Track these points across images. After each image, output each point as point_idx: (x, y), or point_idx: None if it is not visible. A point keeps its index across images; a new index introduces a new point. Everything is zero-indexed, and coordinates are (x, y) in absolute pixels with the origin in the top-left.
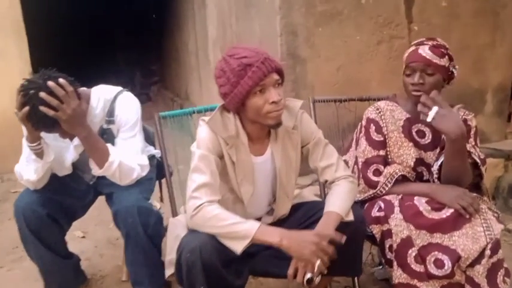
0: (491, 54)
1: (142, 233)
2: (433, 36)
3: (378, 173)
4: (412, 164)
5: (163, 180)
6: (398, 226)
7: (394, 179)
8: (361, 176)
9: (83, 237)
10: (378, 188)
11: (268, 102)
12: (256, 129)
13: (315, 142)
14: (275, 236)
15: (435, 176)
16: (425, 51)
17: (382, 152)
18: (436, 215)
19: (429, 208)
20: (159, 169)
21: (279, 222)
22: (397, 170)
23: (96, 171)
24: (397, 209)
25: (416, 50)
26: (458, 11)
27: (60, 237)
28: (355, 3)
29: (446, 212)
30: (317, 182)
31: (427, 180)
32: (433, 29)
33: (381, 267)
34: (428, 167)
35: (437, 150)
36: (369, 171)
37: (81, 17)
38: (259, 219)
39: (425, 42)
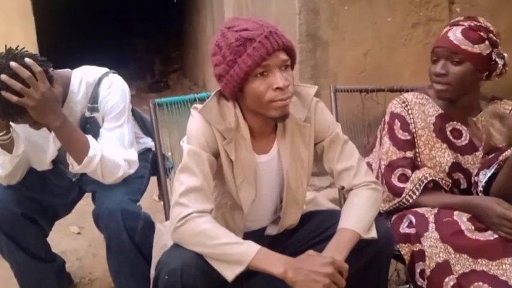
0: None
1: (128, 240)
2: (474, 15)
3: (404, 178)
4: (447, 169)
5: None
6: (434, 248)
7: (423, 185)
8: (384, 182)
9: (78, 233)
10: (404, 195)
11: (271, 88)
12: (260, 121)
13: (331, 138)
14: (278, 266)
15: (480, 188)
16: (455, 34)
17: (409, 154)
18: (481, 236)
19: (472, 227)
20: (157, 164)
21: (286, 234)
22: (427, 175)
23: (74, 167)
24: (432, 226)
25: (447, 32)
26: None
27: (39, 238)
28: None
29: (494, 234)
30: None
31: (465, 191)
32: (478, 11)
33: (407, 286)
34: (466, 173)
35: (479, 154)
36: (393, 176)
37: (98, 3)
38: (263, 229)
39: (461, 23)
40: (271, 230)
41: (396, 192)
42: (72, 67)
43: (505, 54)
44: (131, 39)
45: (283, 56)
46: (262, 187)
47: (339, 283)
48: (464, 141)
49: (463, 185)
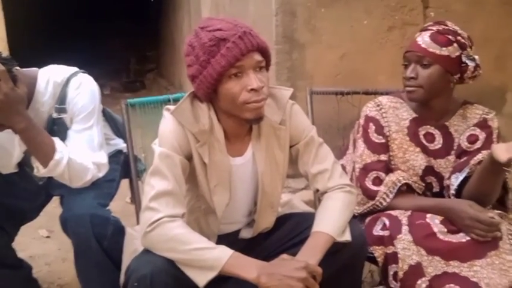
0: None
1: (97, 246)
2: (443, 20)
3: (378, 181)
4: (421, 172)
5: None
6: (407, 250)
7: (397, 188)
8: (358, 185)
9: (48, 237)
10: (377, 198)
11: (246, 90)
12: (234, 123)
13: (306, 141)
14: (251, 271)
15: (452, 191)
16: (423, 38)
17: (383, 157)
18: (453, 238)
19: (445, 230)
20: (129, 166)
21: (261, 237)
22: (400, 178)
23: (39, 170)
24: (405, 229)
25: (416, 37)
26: None
27: (5, 244)
28: None
29: (466, 236)
30: None
31: (438, 194)
32: (453, 16)
33: (381, 287)
34: (439, 176)
35: (451, 158)
36: (367, 179)
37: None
38: (237, 232)
39: (429, 28)
40: (246, 233)
41: (370, 195)
42: (44, 65)
43: (476, 57)
44: (106, 37)
45: (257, 57)
46: (237, 190)
47: (313, 287)
48: (437, 145)
49: (436, 188)
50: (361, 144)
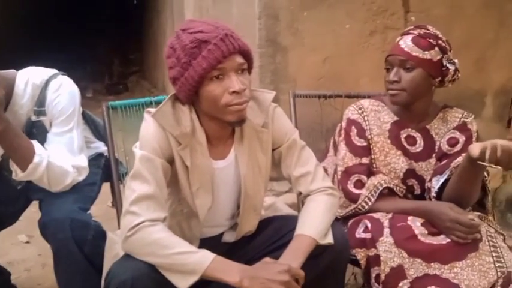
0: (494, 53)
1: (77, 251)
2: (424, 24)
3: (360, 184)
4: (402, 175)
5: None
6: (388, 252)
7: (378, 191)
8: (340, 187)
9: (27, 242)
10: (359, 202)
11: (228, 92)
12: (216, 126)
13: (289, 144)
14: (233, 274)
15: (433, 194)
16: (406, 42)
17: (365, 160)
18: (434, 240)
19: (426, 232)
20: (110, 169)
21: (244, 241)
22: (382, 182)
23: (17, 174)
24: (387, 231)
25: (398, 41)
26: (462, 1)
27: None
28: None
29: (447, 238)
30: None
31: (419, 196)
32: (433, 20)
33: None
34: (420, 179)
35: (432, 160)
36: (349, 182)
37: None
38: (220, 235)
39: (411, 32)
40: (229, 237)
41: (352, 198)
42: (25, 67)
43: (456, 60)
44: (89, 39)
45: (239, 60)
46: (219, 193)
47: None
48: (418, 148)
49: (417, 190)
50: (343, 147)
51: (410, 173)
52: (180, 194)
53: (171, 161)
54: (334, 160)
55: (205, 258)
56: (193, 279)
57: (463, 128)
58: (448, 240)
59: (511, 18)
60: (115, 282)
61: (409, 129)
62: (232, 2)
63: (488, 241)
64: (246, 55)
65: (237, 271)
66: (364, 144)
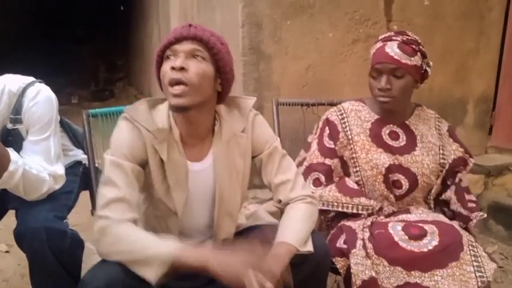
0: (474, 62)
1: (53, 260)
2: (403, 30)
3: (318, 182)
4: (384, 170)
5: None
6: (360, 265)
7: (320, 206)
8: None
9: (7, 251)
10: None
11: (170, 69)
12: (185, 124)
13: (269, 152)
14: (198, 258)
15: (431, 200)
16: (393, 49)
17: (328, 161)
18: (415, 247)
19: (406, 237)
20: (89, 177)
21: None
22: (331, 204)
23: None
24: (359, 243)
25: (383, 47)
26: (442, 11)
27: None
28: None
29: (429, 244)
30: None
31: (404, 195)
32: (414, 30)
33: None
34: (408, 172)
35: (416, 153)
36: (309, 177)
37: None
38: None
39: (393, 38)
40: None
41: None
42: (6, 73)
43: (430, 62)
44: (75, 46)
45: (193, 45)
46: (196, 196)
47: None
48: (402, 142)
49: (405, 185)
50: (314, 145)
51: (394, 168)
52: (154, 197)
53: (143, 165)
54: (302, 154)
55: (172, 245)
56: (161, 270)
57: (438, 132)
58: (430, 247)
59: (490, 27)
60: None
61: (391, 125)
62: (216, 10)
63: (470, 250)
64: (203, 43)
65: (202, 254)
66: (332, 146)
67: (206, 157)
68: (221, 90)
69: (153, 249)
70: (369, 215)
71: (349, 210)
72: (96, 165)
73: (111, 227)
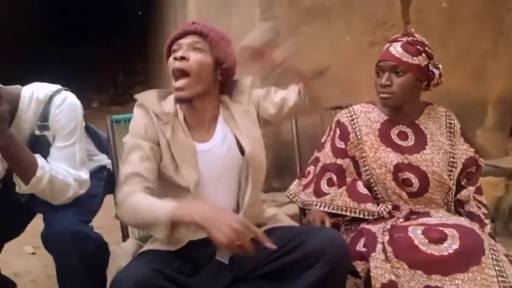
0: (493, 62)
1: (78, 263)
2: (411, 32)
3: (331, 182)
4: (392, 168)
5: None
6: (379, 269)
7: (329, 210)
8: (314, 179)
9: (33, 253)
10: (315, 202)
11: (173, 58)
12: (190, 111)
13: (263, 93)
14: (189, 212)
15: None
16: (396, 48)
17: (339, 161)
18: (436, 250)
19: (426, 241)
20: (113, 182)
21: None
22: (340, 208)
23: (21, 187)
24: (379, 247)
25: (388, 47)
26: (459, 13)
27: None
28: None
29: (449, 248)
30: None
31: (416, 193)
32: (431, 32)
33: None
34: (418, 171)
35: (426, 152)
36: (323, 178)
37: (57, 12)
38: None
39: (399, 39)
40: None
41: (318, 192)
42: (30, 79)
43: (440, 65)
44: (94, 50)
45: (193, 38)
46: (208, 177)
47: (244, 241)
48: (410, 142)
49: (415, 184)
50: (327, 146)
51: (403, 166)
52: (166, 175)
53: (158, 144)
54: (316, 154)
55: (172, 204)
56: (164, 226)
57: (450, 126)
58: (451, 251)
59: (509, 28)
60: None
61: (400, 126)
62: (233, 16)
63: (491, 254)
64: (204, 37)
65: (192, 209)
66: (343, 146)
67: (212, 137)
68: (222, 80)
69: (156, 212)
70: (390, 217)
71: (356, 215)
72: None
73: (126, 199)
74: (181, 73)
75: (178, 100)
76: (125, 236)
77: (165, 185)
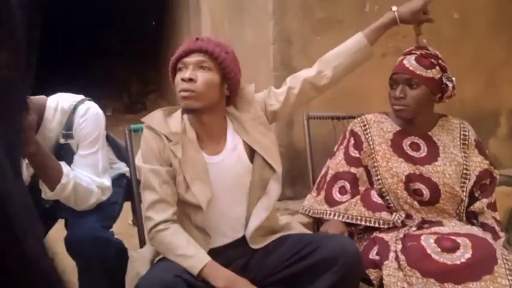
0: (506, 72)
1: (99, 268)
2: (425, 45)
3: (344, 190)
4: (404, 178)
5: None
6: (392, 277)
7: (344, 220)
8: (325, 187)
9: None
10: (329, 211)
11: (181, 79)
12: (200, 125)
13: (265, 93)
14: (220, 280)
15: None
16: (410, 61)
17: (353, 170)
18: (448, 259)
19: (439, 249)
20: (131, 189)
21: (260, 257)
22: (355, 217)
23: (46, 194)
24: (392, 255)
25: (402, 60)
26: (471, 22)
27: None
28: (358, 11)
29: (462, 257)
30: None
31: (428, 202)
32: (443, 43)
33: None
34: (429, 182)
35: (437, 164)
36: (335, 186)
37: (70, 21)
38: (234, 250)
39: (413, 52)
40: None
41: (330, 200)
42: (46, 88)
43: (453, 78)
44: (107, 58)
45: (199, 57)
46: (221, 187)
47: None
48: (422, 153)
49: (426, 195)
50: (340, 154)
51: (415, 177)
52: (180, 195)
53: (171, 165)
54: (329, 163)
55: (199, 263)
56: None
57: (464, 139)
58: (464, 260)
59: None
60: None
61: (412, 137)
62: (246, 27)
63: (504, 263)
64: (209, 54)
65: (223, 278)
66: (357, 155)
67: (224, 149)
68: (229, 94)
69: (187, 262)
70: (402, 226)
71: (371, 224)
72: (138, 177)
73: (158, 231)
74: (189, 92)
75: (186, 110)
76: (142, 243)
77: (179, 201)
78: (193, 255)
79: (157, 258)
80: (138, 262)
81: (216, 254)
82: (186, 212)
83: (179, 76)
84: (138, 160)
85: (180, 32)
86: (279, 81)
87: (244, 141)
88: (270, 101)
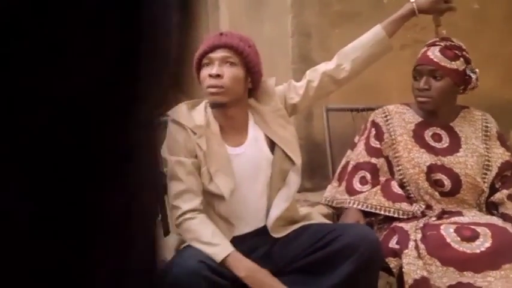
0: None
1: None
2: (448, 36)
3: (364, 181)
4: (425, 168)
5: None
6: (412, 265)
7: (366, 208)
8: (345, 178)
9: None
10: (349, 200)
11: (208, 75)
12: (224, 118)
13: (286, 87)
14: (241, 270)
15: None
16: (434, 53)
17: (374, 160)
18: (468, 248)
19: (458, 238)
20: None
21: (281, 245)
22: (373, 207)
23: None
24: (411, 244)
25: (426, 51)
26: (490, 14)
27: None
28: (376, 3)
29: (481, 246)
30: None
31: (449, 193)
32: (461, 34)
33: None
34: (451, 173)
35: (459, 155)
36: (356, 176)
37: None
38: (255, 240)
39: (437, 43)
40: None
41: (351, 190)
42: None
43: (477, 70)
44: None
45: (224, 53)
46: (243, 178)
47: None
48: (444, 144)
49: (447, 186)
50: (361, 145)
51: (436, 168)
52: (204, 186)
53: (196, 156)
54: (349, 154)
55: (223, 252)
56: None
57: (485, 130)
58: (483, 248)
59: None
60: (170, 278)
61: (434, 128)
62: (265, 21)
63: None
64: (234, 50)
65: (244, 268)
66: (378, 146)
67: (246, 140)
68: (251, 87)
69: (212, 249)
70: (422, 216)
71: (391, 214)
72: (162, 170)
73: (185, 219)
74: (217, 88)
75: (213, 105)
76: (166, 232)
77: (203, 192)
78: (218, 244)
79: (182, 246)
80: (163, 250)
81: (238, 241)
82: (210, 202)
83: (205, 72)
84: (164, 152)
85: (198, 28)
86: (297, 74)
87: (265, 133)
88: (290, 95)
